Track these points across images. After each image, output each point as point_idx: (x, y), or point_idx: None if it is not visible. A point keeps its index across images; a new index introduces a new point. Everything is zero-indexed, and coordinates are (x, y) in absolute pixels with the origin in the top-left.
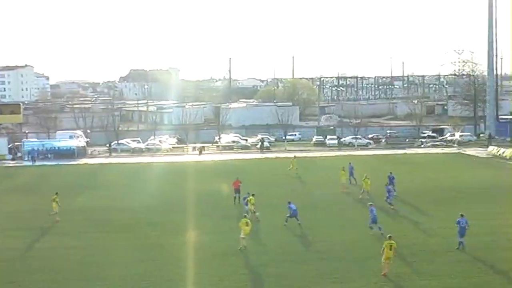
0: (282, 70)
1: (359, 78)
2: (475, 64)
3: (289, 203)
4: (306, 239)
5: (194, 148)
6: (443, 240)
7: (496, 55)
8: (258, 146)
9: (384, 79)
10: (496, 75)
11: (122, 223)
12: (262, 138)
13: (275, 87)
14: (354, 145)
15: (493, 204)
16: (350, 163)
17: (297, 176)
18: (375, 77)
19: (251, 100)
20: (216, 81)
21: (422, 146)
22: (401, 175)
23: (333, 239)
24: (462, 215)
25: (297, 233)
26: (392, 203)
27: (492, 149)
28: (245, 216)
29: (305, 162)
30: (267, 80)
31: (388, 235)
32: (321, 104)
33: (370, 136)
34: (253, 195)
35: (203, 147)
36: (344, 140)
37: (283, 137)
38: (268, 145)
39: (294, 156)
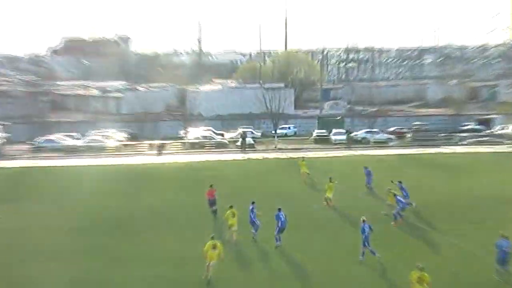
0: (271, 40)
1: (375, 51)
2: None
3: (279, 210)
4: (303, 269)
5: (151, 146)
6: (486, 267)
7: None
8: (239, 143)
9: (410, 52)
10: None
11: (48, 249)
12: (244, 132)
13: (262, 63)
14: (369, 142)
15: None
16: (366, 167)
17: (309, 183)
18: (397, 49)
19: (229, 81)
20: (182, 54)
21: (463, 143)
22: (432, 181)
23: (337, 271)
24: (504, 236)
25: (293, 260)
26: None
27: None
28: (212, 238)
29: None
30: (250, 54)
31: (419, 265)
32: (324, 86)
33: (391, 129)
34: (231, 207)
35: (164, 144)
36: (356, 135)
37: (273, 131)
38: (252, 142)
39: (303, 157)
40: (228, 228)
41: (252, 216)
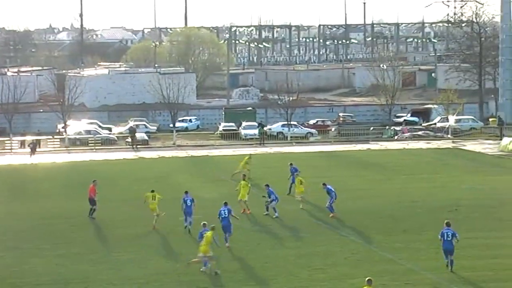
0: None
1: (293, 28)
2: (481, 4)
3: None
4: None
5: (22, 144)
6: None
7: None
8: (129, 139)
9: (334, 29)
10: None
11: None
12: (134, 126)
13: (157, 43)
14: (286, 137)
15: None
16: (291, 164)
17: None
18: (319, 26)
19: (117, 64)
20: (59, 31)
21: (396, 137)
22: (360, 184)
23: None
24: (448, 224)
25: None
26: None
27: (509, 142)
28: None
29: (204, 164)
30: (143, 31)
31: (367, 278)
32: (232, 71)
33: (312, 122)
34: (152, 191)
35: (38, 141)
36: (270, 129)
37: (171, 125)
38: (146, 138)
39: (250, 155)
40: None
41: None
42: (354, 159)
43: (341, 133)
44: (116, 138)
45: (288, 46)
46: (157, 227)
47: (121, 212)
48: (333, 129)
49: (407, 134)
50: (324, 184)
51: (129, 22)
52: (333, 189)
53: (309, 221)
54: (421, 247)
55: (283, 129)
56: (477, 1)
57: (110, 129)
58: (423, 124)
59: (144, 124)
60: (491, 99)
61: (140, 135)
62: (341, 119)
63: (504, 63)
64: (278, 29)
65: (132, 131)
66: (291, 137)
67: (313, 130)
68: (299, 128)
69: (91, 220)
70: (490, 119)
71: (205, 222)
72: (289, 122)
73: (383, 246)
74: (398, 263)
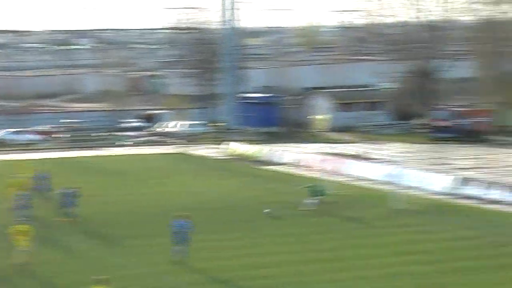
0: None
1: (17, 34)
2: (205, 11)
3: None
4: None
5: None
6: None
7: None
8: None
9: (60, 34)
10: (238, 30)
11: None
12: None
13: None
14: (9, 144)
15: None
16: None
17: None
18: (44, 30)
19: None
20: None
21: (125, 143)
22: (91, 189)
23: None
24: (186, 216)
25: None
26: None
27: (234, 147)
28: None
29: None
30: None
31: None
32: None
33: (39, 128)
34: None
35: None
36: None
37: None
38: None
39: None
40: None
41: None
42: (83, 165)
43: (70, 139)
44: None
45: (15, 51)
46: None
47: None
48: (61, 135)
49: (137, 139)
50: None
51: None
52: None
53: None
54: (152, 251)
55: (6, 136)
56: (201, 9)
57: None
58: (152, 129)
59: None
60: (217, 104)
61: None
62: (70, 125)
63: (227, 69)
64: (1, 33)
65: None
66: (15, 144)
67: (38, 137)
68: (24, 135)
69: None
70: (216, 124)
71: None
72: (14, 129)
73: (113, 251)
74: (127, 268)
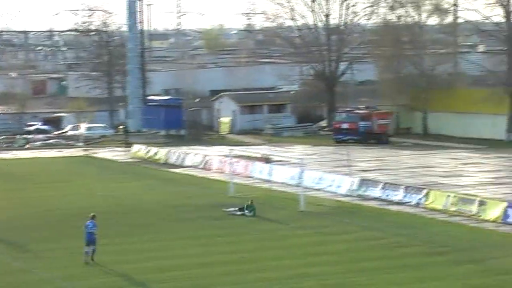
0: None
1: None
2: (109, 13)
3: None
4: None
5: None
6: None
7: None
8: None
9: None
10: (142, 32)
11: None
12: None
13: None
14: None
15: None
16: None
17: None
18: None
19: None
20: None
21: (28, 146)
22: None
23: None
24: (93, 216)
25: None
26: None
27: (139, 150)
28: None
29: None
30: None
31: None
32: None
33: None
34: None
35: None
36: None
37: None
38: None
39: None
40: None
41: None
42: None
43: None
44: None
45: None
46: None
47: None
48: None
49: (38, 143)
50: None
51: None
52: None
53: None
54: (57, 255)
55: None
56: (104, 11)
57: None
58: (55, 133)
59: None
60: (120, 106)
61: None
62: None
63: (132, 71)
64: None
65: None
66: None
67: None
68: None
69: None
70: (120, 127)
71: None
72: None
73: (17, 256)
74: (33, 273)
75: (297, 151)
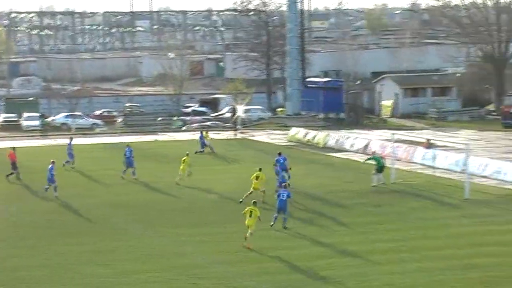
0: None
1: (76, 15)
2: None
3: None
4: None
5: None
6: None
7: None
8: None
9: (119, 16)
10: (302, 12)
11: None
12: None
13: None
14: (70, 128)
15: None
16: (280, 153)
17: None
18: (104, 12)
19: None
20: None
21: (184, 128)
22: (147, 176)
23: None
24: (285, 186)
25: None
26: None
27: (296, 133)
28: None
29: None
30: None
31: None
32: (12, 59)
33: (97, 112)
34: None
35: None
36: (54, 120)
37: None
38: None
39: (187, 153)
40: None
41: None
42: (141, 150)
43: (128, 124)
44: None
45: (71, 33)
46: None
47: None
48: (119, 119)
49: (195, 125)
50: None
51: None
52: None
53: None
54: (206, 240)
55: (67, 120)
56: None
57: None
58: (211, 115)
59: None
60: (279, 88)
61: None
62: (127, 109)
63: (291, 53)
64: (61, 15)
65: None
66: (75, 128)
67: (98, 121)
68: (84, 118)
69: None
70: (279, 109)
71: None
72: (73, 113)
73: (174, 239)
74: (186, 257)
75: (462, 136)
